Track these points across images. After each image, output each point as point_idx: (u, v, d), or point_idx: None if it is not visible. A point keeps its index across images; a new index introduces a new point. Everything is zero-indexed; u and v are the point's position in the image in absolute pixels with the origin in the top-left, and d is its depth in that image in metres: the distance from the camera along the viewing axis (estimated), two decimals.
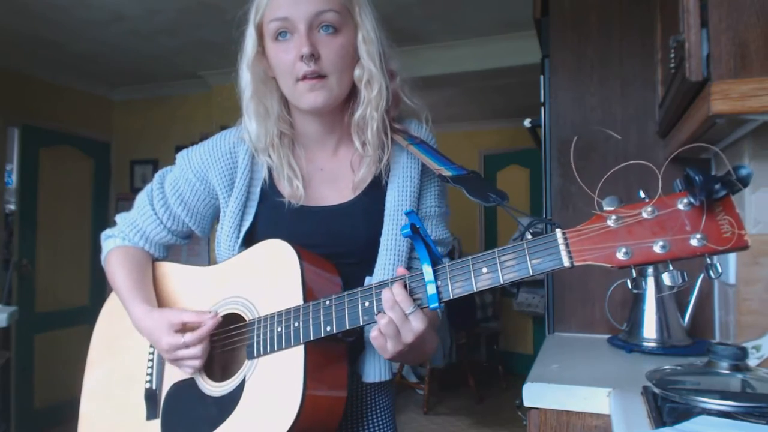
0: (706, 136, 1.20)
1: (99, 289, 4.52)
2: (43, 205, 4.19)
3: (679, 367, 1.05)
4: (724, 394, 0.87)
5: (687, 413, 0.83)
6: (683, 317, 1.54)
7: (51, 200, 4.24)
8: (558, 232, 0.71)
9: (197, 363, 0.93)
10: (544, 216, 1.85)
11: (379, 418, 1.04)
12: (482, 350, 5.50)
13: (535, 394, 1.19)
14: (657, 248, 0.65)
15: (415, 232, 0.80)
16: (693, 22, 0.96)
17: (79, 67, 4.18)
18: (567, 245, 0.70)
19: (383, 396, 1.05)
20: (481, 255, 0.76)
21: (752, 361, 1.15)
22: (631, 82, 1.75)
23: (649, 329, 1.51)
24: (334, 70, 0.93)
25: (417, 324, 0.80)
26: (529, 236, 0.76)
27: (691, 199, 0.63)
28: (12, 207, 4.11)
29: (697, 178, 0.61)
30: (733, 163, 1.41)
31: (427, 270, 0.79)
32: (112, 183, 4.79)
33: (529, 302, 5.02)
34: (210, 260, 1.07)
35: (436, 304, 0.78)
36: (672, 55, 1.12)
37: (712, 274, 0.65)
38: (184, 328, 0.93)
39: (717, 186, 0.61)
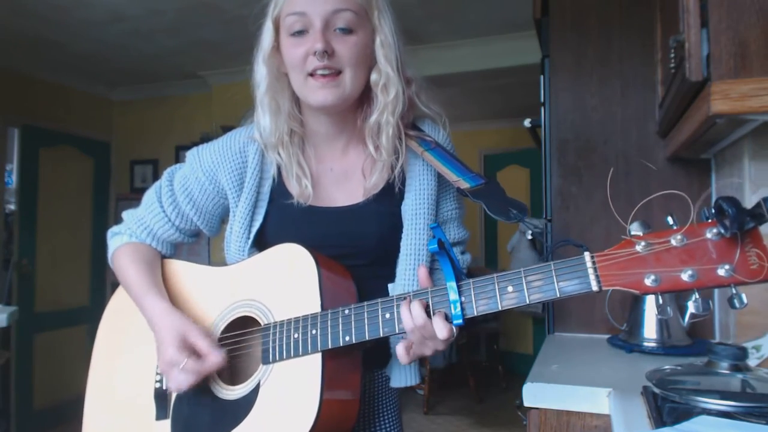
0: (706, 136, 1.20)
1: (99, 289, 4.52)
2: (43, 205, 4.19)
3: (679, 367, 1.05)
4: (724, 394, 0.87)
5: (687, 413, 0.83)
6: (683, 317, 1.54)
7: (51, 200, 4.24)
8: (586, 255, 0.71)
9: (181, 388, 0.90)
10: (544, 216, 1.85)
11: (388, 418, 1.05)
12: (482, 350, 5.50)
13: (535, 394, 1.19)
14: (685, 277, 0.65)
15: (441, 248, 0.80)
16: (693, 22, 0.96)
17: (79, 67, 4.18)
18: (595, 269, 0.70)
19: (391, 396, 1.06)
20: (506, 273, 0.76)
21: (752, 361, 1.15)
22: (631, 82, 1.75)
23: (649, 329, 1.51)
24: (348, 65, 0.92)
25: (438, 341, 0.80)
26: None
27: (721, 230, 0.63)
28: (12, 207, 4.11)
29: (730, 210, 0.61)
30: (733, 163, 1.41)
31: (452, 286, 0.78)
32: (112, 183, 4.79)
33: None
34: (210, 259, 1.06)
35: (460, 321, 0.78)
36: (672, 55, 1.12)
37: (736, 304, 0.65)
38: (192, 349, 0.91)
39: (747, 218, 0.62)
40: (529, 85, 2.52)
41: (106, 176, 4.76)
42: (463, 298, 0.78)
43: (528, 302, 0.74)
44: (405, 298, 0.82)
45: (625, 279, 0.68)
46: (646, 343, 1.49)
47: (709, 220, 0.66)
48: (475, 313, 0.77)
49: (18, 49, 3.76)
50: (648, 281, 0.67)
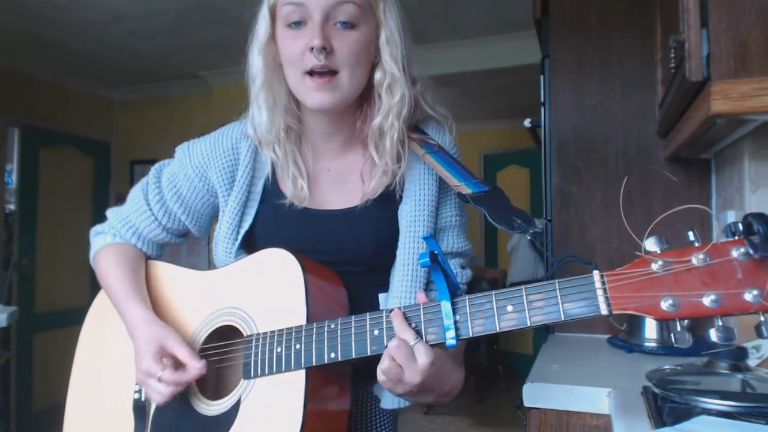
0: (706, 136, 1.20)
1: (99, 289, 4.52)
2: (43, 205, 4.19)
3: (679, 367, 1.05)
4: (724, 394, 0.87)
5: (687, 413, 0.83)
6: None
7: (51, 200, 4.24)
8: (596, 274, 0.64)
9: (160, 399, 0.85)
10: (544, 216, 1.85)
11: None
12: (482, 350, 5.50)
13: (535, 394, 1.19)
14: (707, 302, 0.58)
15: (434, 261, 0.73)
16: (693, 22, 0.96)
17: (79, 67, 4.18)
18: (605, 290, 0.63)
19: (387, 414, 1.00)
20: (506, 291, 0.69)
21: (752, 361, 1.15)
22: (631, 82, 1.75)
23: (649, 329, 1.51)
24: (346, 65, 0.85)
25: (423, 359, 0.72)
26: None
27: (750, 250, 0.57)
28: (12, 207, 4.11)
29: (760, 228, 0.55)
30: (733, 163, 1.41)
31: (445, 304, 0.72)
32: (112, 183, 4.80)
33: None
34: (210, 260, 1.04)
35: (454, 342, 0.70)
36: (672, 55, 1.11)
37: (765, 333, 0.58)
38: (170, 358, 0.86)
39: None
40: (529, 85, 2.52)
41: (106, 176, 4.77)
42: (457, 317, 0.71)
43: (529, 324, 0.67)
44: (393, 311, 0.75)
45: (638, 302, 0.61)
46: (646, 343, 1.49)
47: (736, 238, 0.59)
48: (470, 335, 0.70)
49: (18, 49, 3.76)
50: (665, 306, 0.60)
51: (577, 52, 1.81)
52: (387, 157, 0.91)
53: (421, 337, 0.73)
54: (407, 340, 0.72)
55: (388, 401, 0.92)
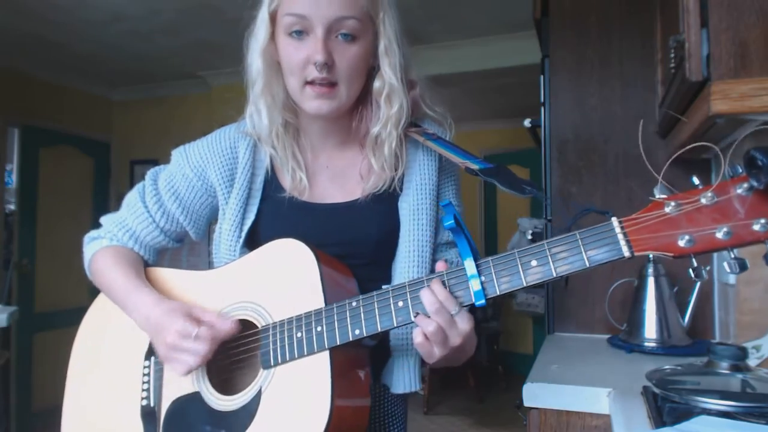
0: (707, 136, 1.20)
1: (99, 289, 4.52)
2: (43, 205, 4.19)
3: (679, 367, 1.05)
4: (724, 394, 0.87)
5: (687, 413, 0.83)
6: (683, 317, 1.54)
7: (51, 200, 4.24)
8: (614, 220, 0.68)
9: (197, 361, 0.82)
10: (544, 216, 1.85)
11: (395, 428, 0.99)
12: (482, 350, 5.50)
13: (535, 394, 1.19)
14: (720, 235, 0.63)
15: (457, 225, 0.75)
16: (693, 22, 0.96)
17: (79, 67, 4.18)
18: (625, 234, 0.67)
19: (399, 404, 1.00)
20: (528, 248, 0.72)
21: (752, 361, 1.15)
22: (631, 83, 1.75)
23: (649, 329, 1.51)
24: (345, 79, 0.88)
25: (464, 325, 0.75)
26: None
27: (754, 183, 0.61)
28: (12, 207, 4.11)
29: (763, 160, 0.58)
30: (733, 163, 1.41)
31: (470, 265, 0.74)
32: (112, 183, 4.80)
33: (529, 302, 5.02)
34: (210, 262, 1.02)
35: (482, 301, 0.73)
36: (672, 55, 1.12)
37: None
38: (198, 322, 0.84)
39: None
40: (529, 85, 2.52)
41: (105, 176, 4.77)
42: (483, 277, 0.73)
43: (554, 275, 0.70)
44: (419, 284, 0.76)
45: (657, 242, 0.65)
46: (646, 343, 1.49)
47: (740, 176, 0.63)
48: (498, 292, 0.72)
49: (18, 49, 3.75)
50: (682, 243, 0.64)
51: (577, 52, 1.81)
52: (385, 164, 0.93)
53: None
54: (449, 309, 0.74)
55: (399, 386, 0.92)
